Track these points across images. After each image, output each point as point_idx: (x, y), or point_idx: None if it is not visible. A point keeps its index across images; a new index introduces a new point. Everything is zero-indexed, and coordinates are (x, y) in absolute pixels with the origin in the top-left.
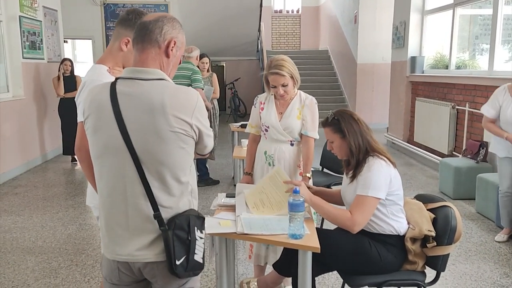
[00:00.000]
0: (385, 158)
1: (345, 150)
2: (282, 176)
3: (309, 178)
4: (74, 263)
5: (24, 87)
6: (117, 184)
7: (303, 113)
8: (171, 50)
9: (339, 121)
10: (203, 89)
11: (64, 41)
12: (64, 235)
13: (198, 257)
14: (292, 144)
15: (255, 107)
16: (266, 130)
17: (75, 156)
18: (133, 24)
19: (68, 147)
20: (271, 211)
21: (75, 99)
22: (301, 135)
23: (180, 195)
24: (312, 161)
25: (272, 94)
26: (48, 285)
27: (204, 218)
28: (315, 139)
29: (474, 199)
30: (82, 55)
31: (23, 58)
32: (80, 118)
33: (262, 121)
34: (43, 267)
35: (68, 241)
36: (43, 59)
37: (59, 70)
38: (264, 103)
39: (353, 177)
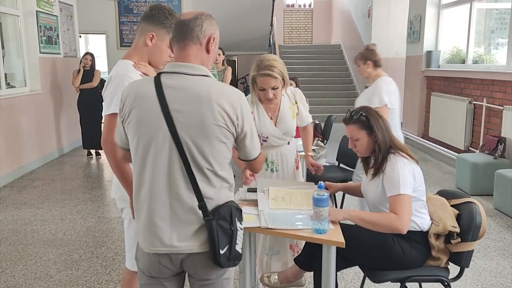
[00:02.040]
0: (407, 155)
1: (371, 147)
2: None
3: (312, 156)
4: (95, 255)
5: (41, 81)
6: (162, 176)
7: (300, 109)
8: (211, 46)
9: (367, 117)
10: None
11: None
12: (83, 227)
13: (238, 248)
14: (289, 143)
15: None
16: (265, 140)
17: (91, 150)
18: (157, 19)
19: (88, 141)
20: (288, 206)
21: (102, 93)
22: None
23: (220, 187)
24: (311, 140)
25: (258, 98)
26: (70, 277)
27: (241, 210)
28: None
29: (492, 195)
30: (95, 50)
31: (40, 53)
32: (107, 111)
33: (258, 132)
34: (65, 259)
35: (88, 234)
36: (60, 54)
37: (80, 63)
38: (252, 112)
39: (375, 174)
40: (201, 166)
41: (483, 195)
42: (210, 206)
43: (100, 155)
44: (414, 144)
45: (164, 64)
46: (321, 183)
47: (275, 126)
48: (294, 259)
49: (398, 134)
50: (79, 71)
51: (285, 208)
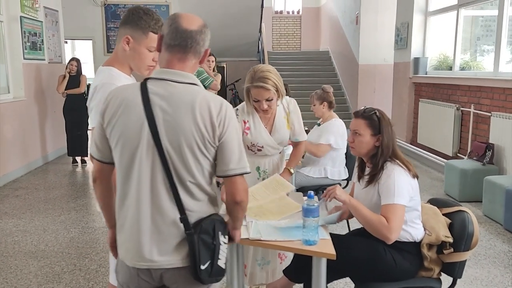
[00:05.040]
0: (405, 167)
1: (369, 148)
2: (281, 183)
3: (292, 173)
4: (78, 267)
5: (25, 88)
6: (145, 187)
7: (291, 120)
8: (206, 57)
9: (379, 119)
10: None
11: (65, 42)
12: (66, 238)
13: (221, 263)
14: (280, 152)
15: None
16: (260, 150)
17: (77, 158)
18: (131, 21)
19: (73, 148)
20: (262, 217)
21: (87, 104)
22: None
23: (204, 199)
24: (299, 159)
25: (253, 108)
26: None
27: (226, 223)
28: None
29: (481, 201)
30: (81, 56)
31: (24, 59)
32: (93, 124)
33: (253, 141)
34: (46, 272)
35: (71, 245)
36: (44, 60)
37: (66, 69)
38: (248, 122)
39: (370, 181)
40: (183, 179)
41: (472, 201)
42: (193, 219)
43: (85, 162)
44: (403, 150)
45: (148, 69)
46: (311, 193)
47: (272, 136)
48: (283, 271)
49: (340, 169)
50: (64, 76)
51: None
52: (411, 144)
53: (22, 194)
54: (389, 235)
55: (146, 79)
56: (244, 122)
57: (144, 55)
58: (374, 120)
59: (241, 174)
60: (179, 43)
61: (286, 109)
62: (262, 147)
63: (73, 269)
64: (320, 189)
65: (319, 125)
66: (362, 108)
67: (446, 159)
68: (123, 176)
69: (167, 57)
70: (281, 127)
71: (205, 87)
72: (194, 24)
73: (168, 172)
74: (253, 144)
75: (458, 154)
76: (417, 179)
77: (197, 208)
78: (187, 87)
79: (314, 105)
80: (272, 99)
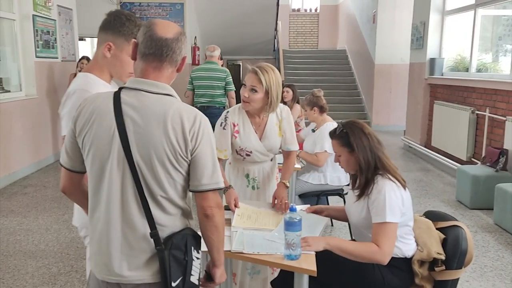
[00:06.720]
0: (395, 180)
1: (353, 165)
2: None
3: (287, 186)
4: (74, 269)
5: (37, 86)
6: (115, 199)
7: (282, 127)
8: (183, 66)
9: (347, 134)
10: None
11: (82, 39)
12: (67, 238)
13: (194, 279)
14: (271, 160)
15: (224, 129)
16: (248, 155)
17: None
18: (113, 27)
19: None
20: (252, 225)
21: (59, 111)
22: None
23: (177, 214)
24: (292, 170)
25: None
26: None
27: (200, 237)
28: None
29: (493, 209)
30: None
31: (36, 57)
32: (64, 132)
33: (241, 146)
34: (43, 273)
35: (71, 245)
36: (57, 58)
37: (76, 67)
38: (237, 125)
39: (360, 195)
40: (154, 193)
41: (484, 209)
42: (164, 233)
43: None
44: (417, 153)
45: (129, 76)
46: (293, 205)
47: (262, 141)
48: (271, 282)
49: (340, 175)
50: (75, 75)
51: (249, 227)
52: (425, 147)
53: (31, 191)
54: (382, 259)
55: (120, 88)
56: (234, 125)
57: (126, 63)
58: (344, 138)
59: (214, 190)
60: (154, 51)
61: (279, 116)
62: (251, 152)
63: (69, 270)
64: (321, 195)
65: (313, 130)
66: (336, 126)
67: (460, 163)
68: (93, 186)
69: (142, 66)
70: (272, 134)
71: (225, 90)
72: (170, 32)
73: (139, 186)
74: (242, 149)
75: (473, 159)
76: (406, 189)
77: (169, 223)
78: (160, 98)
79: (305, 111)
80: (256, 91)
